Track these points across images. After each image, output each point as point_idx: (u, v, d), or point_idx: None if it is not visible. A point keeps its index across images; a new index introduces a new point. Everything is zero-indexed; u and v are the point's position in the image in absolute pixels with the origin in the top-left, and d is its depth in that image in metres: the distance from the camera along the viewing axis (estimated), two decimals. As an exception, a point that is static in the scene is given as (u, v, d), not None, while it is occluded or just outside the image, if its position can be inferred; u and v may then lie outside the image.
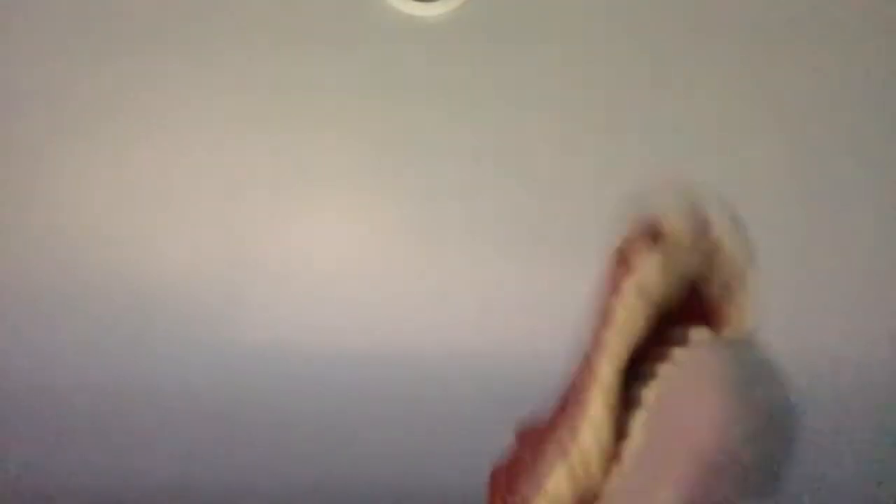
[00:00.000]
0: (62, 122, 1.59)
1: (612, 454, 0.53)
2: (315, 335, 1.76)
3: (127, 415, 2.06)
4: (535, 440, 0.58)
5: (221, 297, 1.82)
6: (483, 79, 1.53)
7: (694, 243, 0.57)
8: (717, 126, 1.59)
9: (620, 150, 1.62)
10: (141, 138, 1.61)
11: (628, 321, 0.55)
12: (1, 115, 1.59)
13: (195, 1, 1.46)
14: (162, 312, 1.86)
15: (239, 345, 1.89)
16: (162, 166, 1.64)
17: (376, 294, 1.73)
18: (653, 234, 0.58)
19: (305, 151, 1.61)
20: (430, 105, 1.56)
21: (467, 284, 1.78)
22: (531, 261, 1.79)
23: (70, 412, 2.05)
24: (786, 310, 1.85)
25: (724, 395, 0.48)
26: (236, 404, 2.01)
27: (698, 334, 0.52)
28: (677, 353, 0.51)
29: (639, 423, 0.51)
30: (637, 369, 0.55)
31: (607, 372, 0.55)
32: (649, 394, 0.52)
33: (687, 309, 0.55)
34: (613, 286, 0.55)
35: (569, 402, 0.55)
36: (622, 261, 0.55)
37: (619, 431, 0.53)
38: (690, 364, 0.50)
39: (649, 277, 0.55)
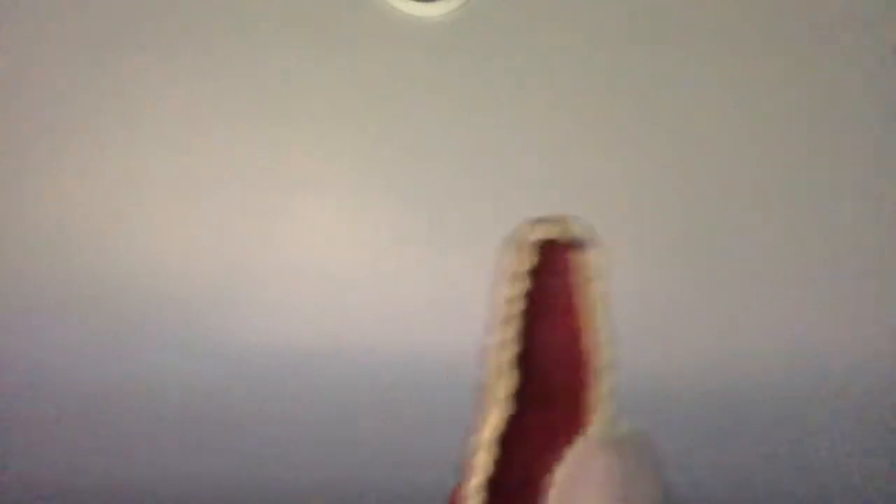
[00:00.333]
0: (61, 121, 1.58)
1: None
2: (314, 335, 1.76)
3: (127, 414, 2.06)
4: None
5: (220, 297, 1.82)
6: (483, 79, 1.53)
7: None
8: (718, 125, 1.59)
9: (621, 150, 1.62)
10: (139, 138, 1.61)
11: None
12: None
13: (195, 1, 1.46)
14: (159, 312, 1.85)
15: (237, 345, 1.89)
16: (161, 166, 1.64)
17: (375, 294, 1.73)
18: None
19: (304, 151, 1.61)
20: (429, 105, 1.56)
21: (466, 286, 1.78)
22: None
23: (69, 412, 2.05)
24: (786, 310, 1.85)
25: (604, 497, 0.51)
26: (235, 404, 2.01)
27: (586, 434, 0.55)
28: (567, 454, 0.54)
29: None
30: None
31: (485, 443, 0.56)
32: (549, 498, 0.54)
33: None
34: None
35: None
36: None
37: None
38: (576, 465, 0.53)
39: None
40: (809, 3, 1.45)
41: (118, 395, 2.00)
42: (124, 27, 1.48)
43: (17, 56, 1.50)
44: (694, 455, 2.13)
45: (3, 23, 1.47)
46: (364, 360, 1.76)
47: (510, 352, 0.56)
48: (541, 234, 0.59)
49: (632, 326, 1.99)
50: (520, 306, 0.56)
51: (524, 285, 0.57)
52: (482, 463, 0.55)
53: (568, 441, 0.56)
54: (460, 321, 1.81)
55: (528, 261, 0.58)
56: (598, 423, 0.57)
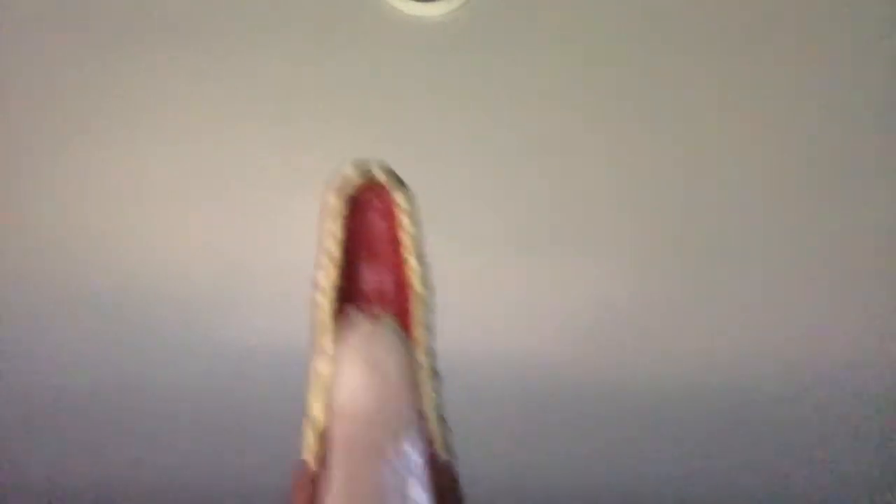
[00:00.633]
0: (61, 121, 1.58)
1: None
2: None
3: (126, 414, 2.06)
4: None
5: (220, 297, 1.82)
6: (484, 79, 1.52)
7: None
8: (719, 126, 1.59)
9: (623, 150, 1.61)
10: (139, 138, 1.60)
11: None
12: None
13: (195, 1, 1.45)
14: (159, 312, 1.85)
15: (237, 345, 1.89)
16: (161, 166, 1.64)
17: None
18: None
19: (304, 151, 1.60)
20: (429, 105, 1.56)
21: (465, 285, 1.78)
22: (531, 261, 1.78)
23: (69, 412, 2.05)
24: (785, 310, 1.85)
25: (354, 367, 0.62)
26: (235, 404, 2.01)
27: (354, 317, 0.64)
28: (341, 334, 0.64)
29: (317, 394, 0.63)
30: None
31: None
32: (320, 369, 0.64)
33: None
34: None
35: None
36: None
37: None
38: (342, 344, 0.63)
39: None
40: (809, 3, 1.45)
41: (118, 395, 2.00)
42: (125, 27, 1.47)
43: (17, 56, 1.50)
44: (693, 455, 2.13)
45: (2, 23, 1.47)
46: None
47: (332, 286, 0.64)
48: (354, 177, 0.69)
49: (632, 327, 2.00)
50: (339, 243, 0.65)
51: (342, 223, 0.66)
52: (315, 413, 0.63)
53: None
54: (460, 321, 1.81)
55: (343, 201, 0.67)
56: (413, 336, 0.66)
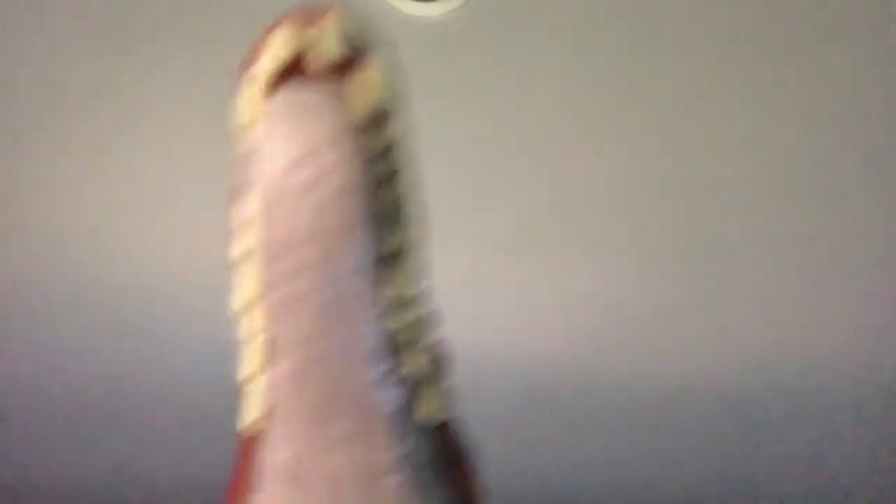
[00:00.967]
0: (60, 122, 1.58)
1: None
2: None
3: (126, 414, 2.06)
4: None
5: (220, 297, 1.82)
6: (483, 79, 1.52)
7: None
8: (719, 126, 1.59)
9: (622, 151, 1.61)
10: (139, 138, 1.60)
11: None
12: None
13: (195, 1, 1.45)
14: (159, 312, 1.85)
15: (236, 344, 1.89)
16: (161, 166, 1.64)
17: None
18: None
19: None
20: (429, 105, 1.56)
21: (464, 285, 1.78)
22: (531, 261, 1.78)
23: (68, 412, 2.05)
24: (786, 311, 1.85)
25: (275, 128, 0.52)
26: (235, 404, 2.01)
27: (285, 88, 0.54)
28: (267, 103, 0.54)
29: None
30: None
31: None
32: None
33: None
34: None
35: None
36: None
37: None
38: (268, 111, 0.54)
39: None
40: (809, 3, 1.45)
41: (118, 394, 2.00)
42: (125, 27, 1.47)
43: (17, 56, 1.50)
44: (696, 456, 2.13)
45: (3, 23, 1.47)
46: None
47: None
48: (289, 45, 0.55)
49: (632, 326, 2.00)
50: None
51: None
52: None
53: None
54: (459, 321, 1.81)
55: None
56: None
